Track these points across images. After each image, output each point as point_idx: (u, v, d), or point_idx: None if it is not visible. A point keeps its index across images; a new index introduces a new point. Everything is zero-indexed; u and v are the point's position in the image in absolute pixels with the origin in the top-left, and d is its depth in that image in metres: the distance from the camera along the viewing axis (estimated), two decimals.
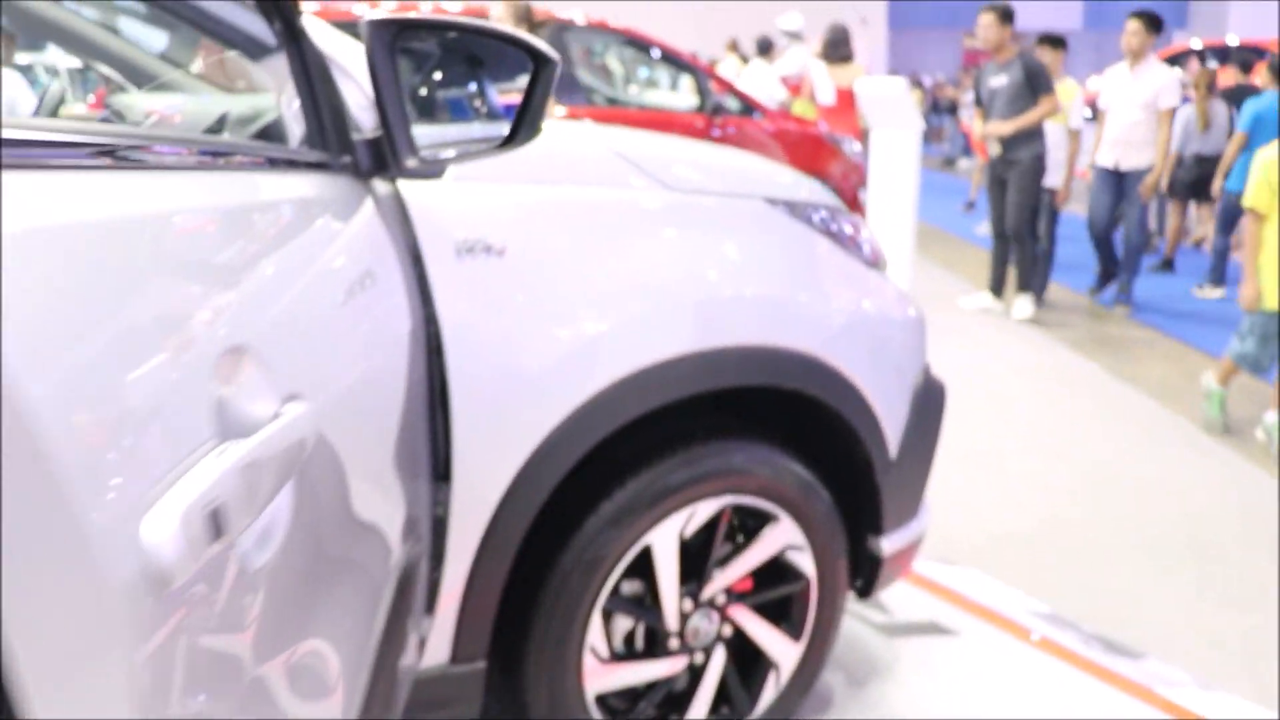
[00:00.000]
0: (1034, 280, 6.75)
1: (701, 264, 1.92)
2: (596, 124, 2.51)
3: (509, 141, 1.49)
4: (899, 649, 2.77)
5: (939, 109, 20.30)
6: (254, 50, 1.54)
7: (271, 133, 1.52)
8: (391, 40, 1.40)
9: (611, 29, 6.91)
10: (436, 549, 1.74)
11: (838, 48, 8.19)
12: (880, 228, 6.78)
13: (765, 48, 10.00)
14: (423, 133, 1.54)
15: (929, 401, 2.32)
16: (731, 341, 1.92)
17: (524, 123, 1.48)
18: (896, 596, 3.01)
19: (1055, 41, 6.88)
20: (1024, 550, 3.41)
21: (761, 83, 9.07)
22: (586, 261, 1.81)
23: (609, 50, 7.91)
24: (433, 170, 1.51)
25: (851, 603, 2.93)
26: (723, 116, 6.63)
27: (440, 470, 1.71)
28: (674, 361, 1.86)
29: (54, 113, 2.46)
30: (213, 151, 1.30)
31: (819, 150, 7.09)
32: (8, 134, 0.81)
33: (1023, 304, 6.67)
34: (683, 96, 7.13)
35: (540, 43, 1.46)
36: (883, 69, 22.39)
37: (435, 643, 1.79)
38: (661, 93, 7.88)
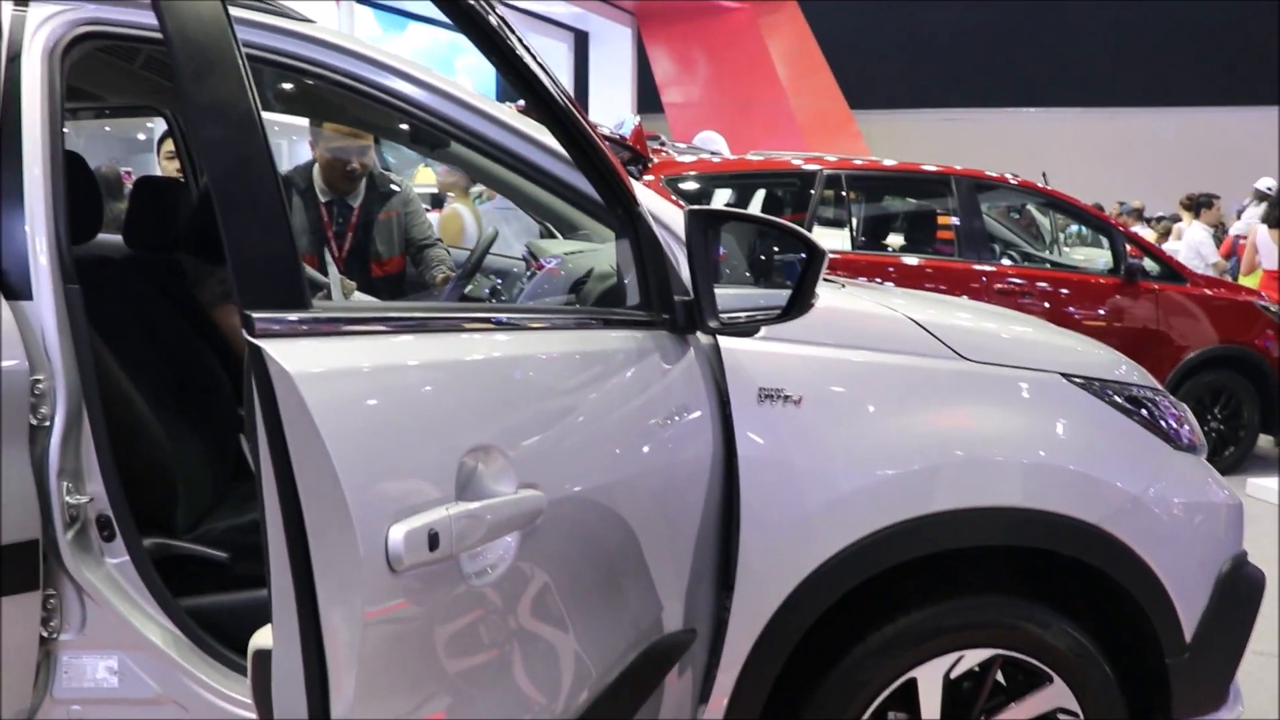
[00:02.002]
0: None
1: (984, 430, 2.12)
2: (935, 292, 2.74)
3: (785, 314, 1.82)
4: None
5: None
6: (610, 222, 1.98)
7: (615, 292, 1.95)
8: (705, 226, 1.79)
9: (1032, 188, 7.01)
10: (715, 646, 2.04)
11: None
12: None
13: (1201, 206, 9.55)
14: (733, 295, 1.92)
15: (1239, 589, 2.30)
16: (1006, 503, 2.09)
17: (796, 302, 1.82)
18: None
19: None
20: None
21: (1196, 243, 8.69)
22: (875, 418, 2.07)
23: (1027, 208, 7.97)
24: (729, 330, 1.86)
25: None
26: (1139, 280, 6.49)
27: (725, 579, 2.02)
28: (947, 515, 2.05)
29: (488, 248, 3.12)
30: (570, 318, 1.81)
31: (1248, 320, 6.72)
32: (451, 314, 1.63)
33: None
34: (1102, 256, 7.05)
35: (813, 237, 1.78)
36: None
37: None
38: (1080, 252, 7.80)
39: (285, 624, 1.16)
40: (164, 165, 4.27)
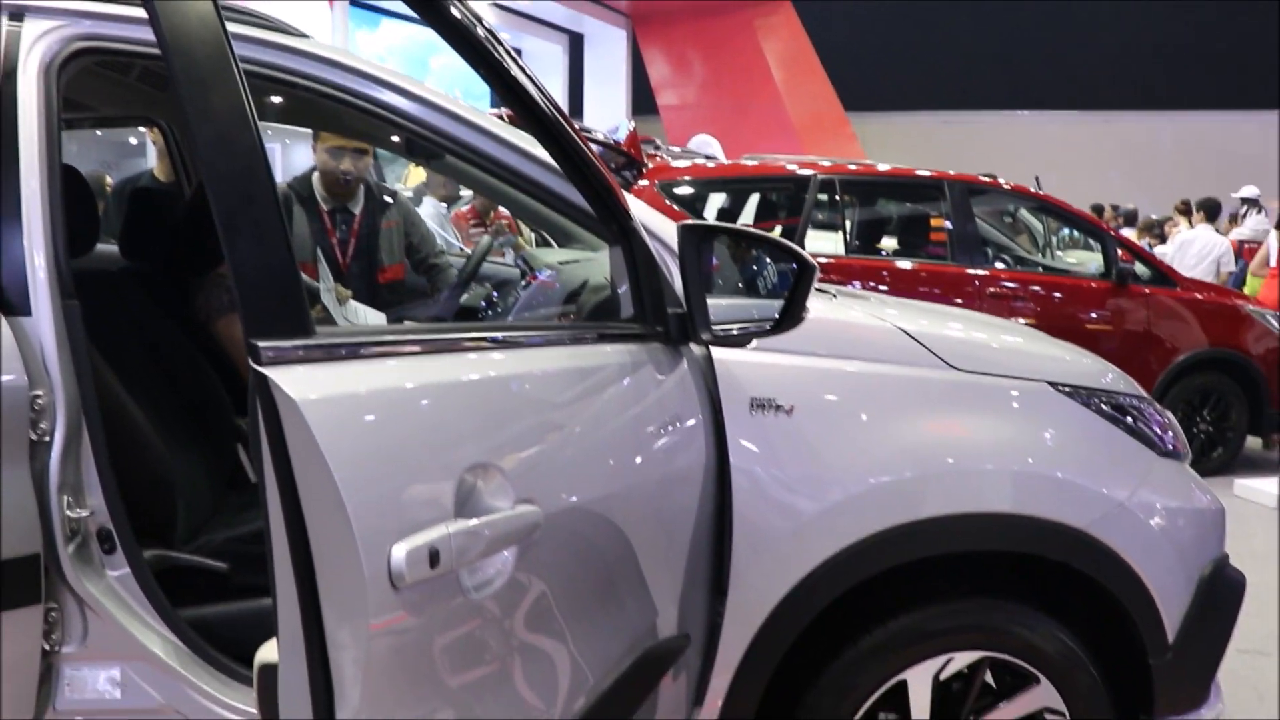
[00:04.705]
0: None
1: (972, 438, 2.16)
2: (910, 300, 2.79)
3: (776, 327, 1.87)
4: None
5: None
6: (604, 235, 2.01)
7: (610, 304, 2.00)
8: (698, 241, 1.83)
9: (1024, 192, 7.07)
10: (709, 651, 2.08)
11: None
12: None
13: (1212, 212, 9.62)
14: (726, 305, 1.96)
15: (1219, 592, 2.35)
16: (995, 509, 2.13)
17: (787, 316, 1.86)
18: None
19: None
20: None
21: (1218, 254, 8.83)
22: (865, 426, 2.11)
23: (1019, 212, 8.03)
24: (721, 342, 1.91)
25: None
26: (1130, 284, 6.54)
27: (719, 585, 2.06)
28: (937, 520, 2.10)
29: (484, 256, 3.15)
30: (565, 333, 1.85)
31: (1234, 323, 6.79)
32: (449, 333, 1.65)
33: None
34: (1094, 260, 7.12)
35: (804, 252, 1.83)
36: None
37: None
38: (1073, 255, 7.86)
39: (291, 640, 1.20)
40: None
